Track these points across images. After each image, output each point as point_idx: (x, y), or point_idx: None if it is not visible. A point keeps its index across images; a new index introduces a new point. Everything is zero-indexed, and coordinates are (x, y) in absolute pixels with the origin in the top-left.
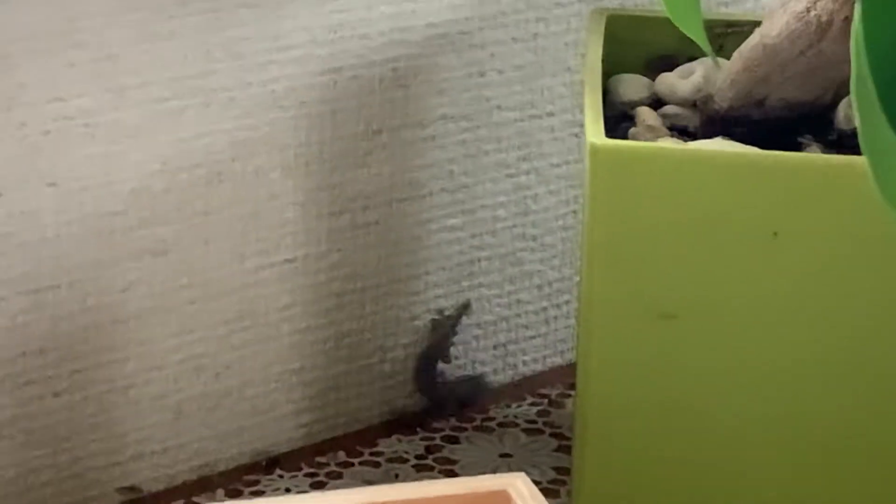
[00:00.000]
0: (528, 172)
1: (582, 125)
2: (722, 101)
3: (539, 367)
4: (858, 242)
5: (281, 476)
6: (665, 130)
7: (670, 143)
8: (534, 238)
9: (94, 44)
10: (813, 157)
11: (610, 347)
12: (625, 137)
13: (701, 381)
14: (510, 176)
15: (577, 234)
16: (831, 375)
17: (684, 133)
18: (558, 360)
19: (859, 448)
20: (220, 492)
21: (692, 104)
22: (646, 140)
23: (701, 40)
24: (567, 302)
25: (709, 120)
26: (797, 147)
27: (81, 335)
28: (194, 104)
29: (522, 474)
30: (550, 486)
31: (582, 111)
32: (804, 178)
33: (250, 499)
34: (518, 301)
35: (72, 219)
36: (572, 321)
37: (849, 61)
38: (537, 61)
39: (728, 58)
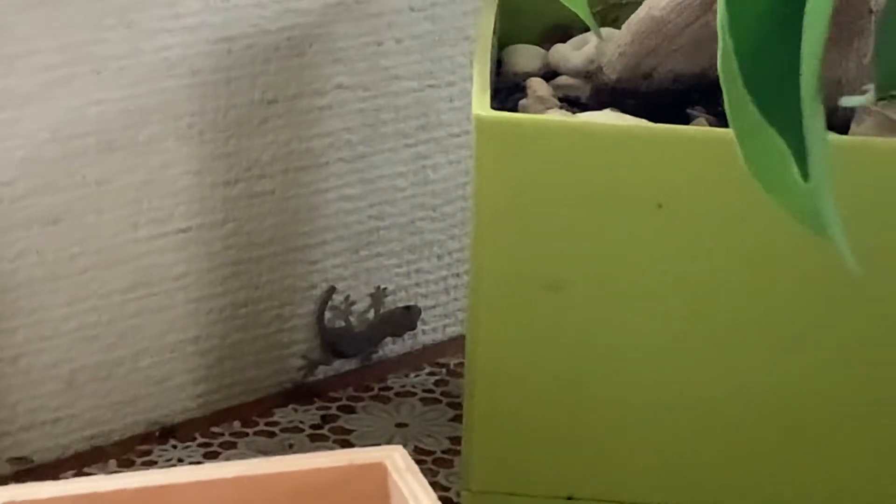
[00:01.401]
0: (426, 142)
1: None
2: (611, 73)
3: (438, 336)
4: (741, 214)
5: (175, 446)
6: (555, 102)
7: (556, 116)
8: (433, 208)
9: None
10: (696, 129)
11: (497, 318)
12: (515, 109)
13: (586, 351)
14: (409, 146)
15: None
16: (714, 344)
17: (577, 104)
18: (458, 330)
19: (753, 416)
20: (113, 462)
21: (585, 75)
22: (536, 111)
23: (583, 13)
24: (466, 272)
25: (599, 91)
26: (686, 119)
27: None
28: (85, 72)
29: (400, 447)
30: (444, 455)
31: None
32: (687, 151)
33: (142, 469)
34: (417, 270)
35: None
36: None
37: None
38: (435, 30)
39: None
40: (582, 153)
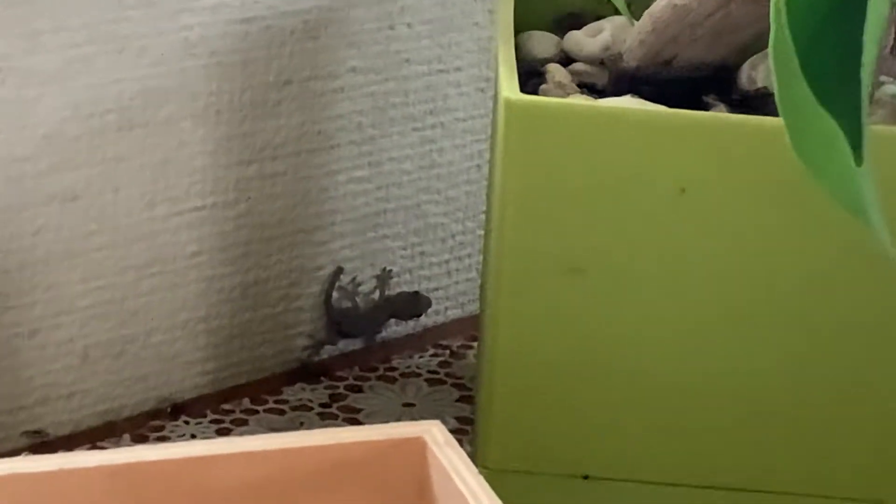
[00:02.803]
0: (434, 126)
1: (488, 80)
2: (631, 60)
3: (440, 318)
4: (762, 199)
5: (186, 422)
6: (574, 87)
7: (582, 100)
8: (438, 191)
9: None
10: (720, 115)
11: (518, 299)
12: (535, 93)
13: (607, 334)
14: (417, 129)
15: (482, 188)
16: (735, 329)
17: (591, 90)
18: (459, 313)
19: (767, 400)
20: (126, 437)
21: (599, 62)
22: (556, 96)
23: (619, 2)
24: (469, 255)
25: (617, 78)
26: (702, 106)
27: None
28: (107, 50)
29: (438, 422)
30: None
31: (489, 66)
32: (711, 137)
33: (155, 444)
34: (422, 253)
35: None
36: (474, 274)
37: (754, 24)
38: (446, 16)
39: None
40: (608, 138)
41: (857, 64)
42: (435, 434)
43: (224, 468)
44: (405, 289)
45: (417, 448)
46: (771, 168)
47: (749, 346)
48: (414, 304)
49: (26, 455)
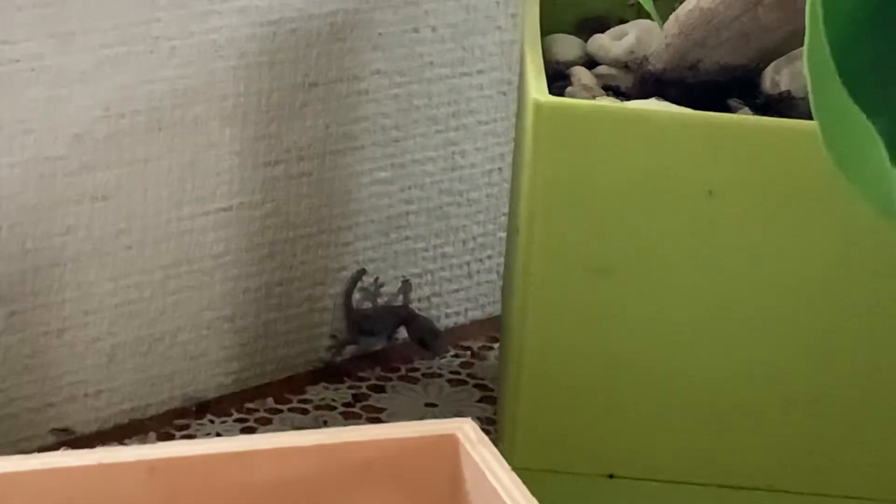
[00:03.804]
0: (456, 129)
1: (510, 83)
2: (657, 63)
3: (461, 319)
4: (789, 201)
5: (212, 421)
6: (600, 90)
7: (610, 102)
8: (460, 193)
9: None
10: (747, 118)
11: (545, 299)
12: (561, 96)
13: (633, 335)
14: (440, 132)
15: (503, 190)
16: (762, 330)
17: (616, 93)
18: (479, 314)
19: (794, 401)
20: (152, 435)
21: (624, 65)
22: (583, 99)
23: (648, 5)
24: (489, 257)
25: (643, 81)
26: (727, 110)
27: (20, 277)
28: (138, 51)
29: (469, 420)
30: None
31: (511, 70)
32: (739, 139)
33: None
34: (443, 255)
35: (14, 161)
36: (494, 276)
37: (780, 28)
38: (469, 19)
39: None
40: (636, 140)
41: (893, 65)
42: (467, 431)
43: (260, 464)
44: (427, 290)
45: (450, 445)
46: (798, 171)
47: (776, 347)
48: (430, 335)
49: (65, 450)
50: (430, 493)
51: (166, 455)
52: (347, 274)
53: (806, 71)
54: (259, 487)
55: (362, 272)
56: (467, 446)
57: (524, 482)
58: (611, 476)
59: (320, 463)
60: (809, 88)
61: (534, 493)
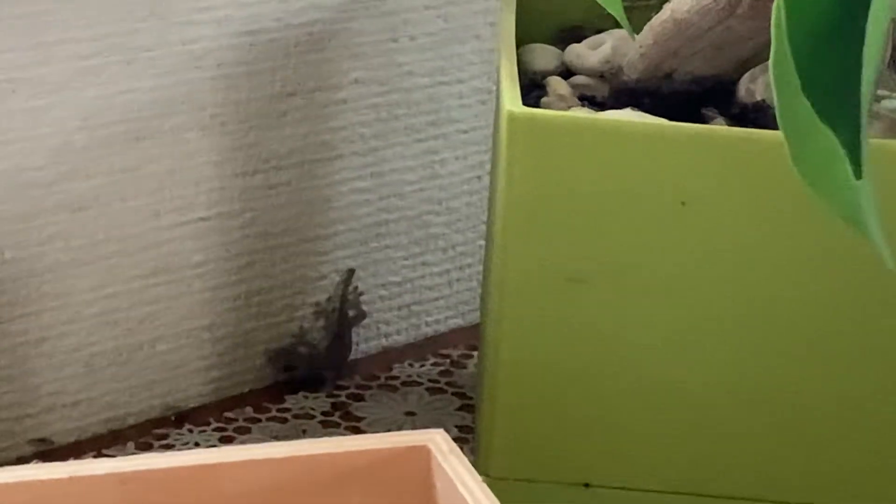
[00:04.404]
0: (436, 137)
1: (490, 92)
2: (632, 73)
3: (441, 328)
4: (762, 211)
5: (191, 430)
6: (576, 100)
7: (584, 113)
8: (440, 202)
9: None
10: (720, 129)
11: (520, 308)
12: (537, 106)
13: (607, 342)
14: (419, 140)
15: (483, 198)
16: (736, 339)
17: (592, 103)
18: (460, 322)
19: (769, 409)
20: (131, 445)
21: (600, 75)
22: (558, 109)
23: (620, 16)
24: (470, 265)
25: (618, 91)
26: (702, 119)
27: None
28: (116, 62)
29: (441, 430)
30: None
31: (490, 79)
32: (711, 150)
33: (164, 451)
34: (423, 263)
35: None
36: (474, 284)
37: (754, 38)
38: (448, 28)
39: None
40: (610, 150)
41: (857, 79)
42: (439, 442)
43: (232, 475)
44: (407, 298)
45: (422, 456)
46: (770, 181)
47: (750, 355)
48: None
49: (36, 463)
50: (402, 503)
51: (138, 468)
52: (327, 283)
53: (772, 85)
54: (232, 499)
55: (352, 272)
56: (439, 457)
57: (501, 491)
58: (586, 485)
59: (293, 474)
60: (776, 102)
61: (510, 503)
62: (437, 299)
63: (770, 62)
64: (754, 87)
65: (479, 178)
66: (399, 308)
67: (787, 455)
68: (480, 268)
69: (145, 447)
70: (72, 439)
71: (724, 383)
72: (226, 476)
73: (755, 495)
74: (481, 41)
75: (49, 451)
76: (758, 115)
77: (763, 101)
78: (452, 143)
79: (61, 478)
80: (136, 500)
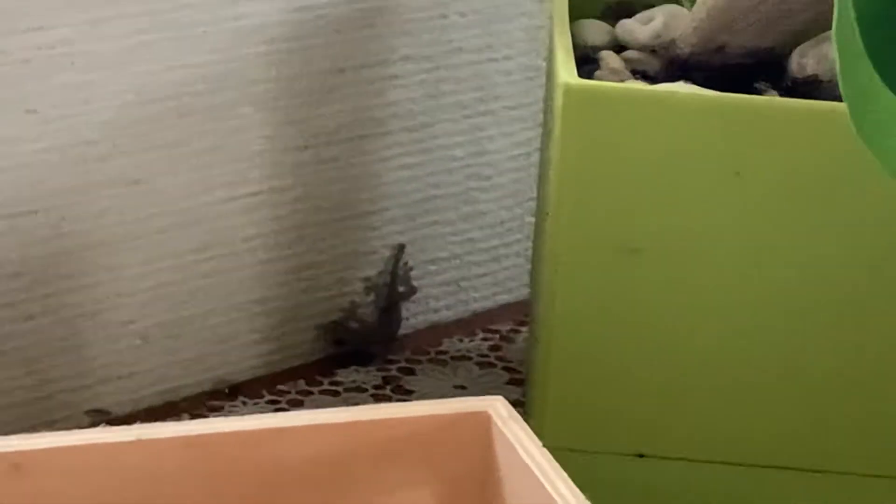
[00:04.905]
0: (484, 114)
1: (537, 69)
2: (684, 47)
3: (489, 303)
4: (816, 182)
5: (244, 403)
6: (629, 74)
7: (639, 85)
8: (487, 178)
9: None
10: (775, 100)
11: (575, 281)
12: (590, 80)
13: (662, 314)
14: (467, 117)
15: (530, 175)
16: (787, 310)
17: (644, 77)
18: (507, 298)
19: (821, 378)
20: (185, 417)
21: (651, 49)
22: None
23: None
24: (517, 241)
25: (670, 65)
26: (754, 92)
27: (54, 260)
28: (168, 37)
29: (501, 398)
30: None
31: (538, 55)
32: (766, 121)
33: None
34: (470, 239)
35: (49, 146)
36: (522, 260)
37: (807, 10)
38: (496, 5)
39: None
40: (664, 122)
41: None
42: (499, 408)
43: (295, 440)
44: (454, 274)
45: (482, 422)
46: (824, 152)
47: (802, 326)
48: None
49: (104, 427)
50: (462, 469)
51: (203, 432)
52: (377, 257)
53: (834, 50)
54: (293, 463)
55: (402, 248)
56: (499, 423)
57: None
58: (640, 455)
59: (354, 440)
60: (838, 67)
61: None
62: (484, 275)
63: (833, 27)
64: (805, 60)
65: (526, 154)
66: (447, 284)
67: (847, 426)
68: (528, 244)
69: (200, 419)
70: (127, 411)
71: (780, 354)
72: (289, 440)
73: (811, 466)
74: (529, 18)
75: (106, 423)
76: (809, 89)
77: (815, 75)
78: (500, 119)
79: (127, 440)
80: (200, 463)
